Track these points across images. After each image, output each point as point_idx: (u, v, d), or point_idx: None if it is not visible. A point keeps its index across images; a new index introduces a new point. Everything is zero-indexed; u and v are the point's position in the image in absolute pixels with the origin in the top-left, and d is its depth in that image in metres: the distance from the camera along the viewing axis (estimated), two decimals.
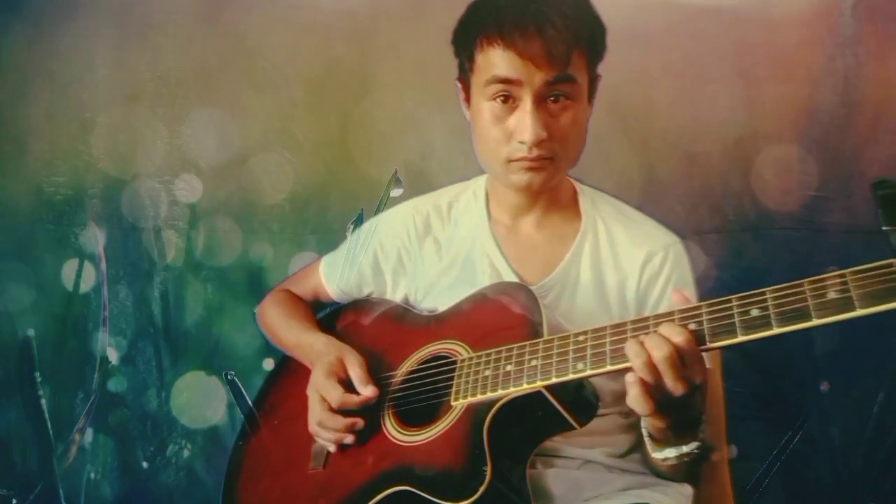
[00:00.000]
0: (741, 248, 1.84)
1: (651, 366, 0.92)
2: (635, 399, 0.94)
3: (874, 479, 1.86)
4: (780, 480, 1.86)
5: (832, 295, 0.83)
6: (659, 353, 0.91)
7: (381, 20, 1.88)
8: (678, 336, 0.91)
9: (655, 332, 0.93)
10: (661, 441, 1.03)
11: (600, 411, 1.18)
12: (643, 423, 1.04)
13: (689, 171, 1.88)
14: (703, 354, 1.17)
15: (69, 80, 1.92)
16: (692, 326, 0.92)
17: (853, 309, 0.82)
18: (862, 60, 1.83)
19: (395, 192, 1.85)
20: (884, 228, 0.82)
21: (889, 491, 1.86)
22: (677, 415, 0.98)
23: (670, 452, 1.02)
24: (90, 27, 1.92)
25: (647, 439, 1.05)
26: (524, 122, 1.14)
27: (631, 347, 0.93)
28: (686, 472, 1.11)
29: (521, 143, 1.15)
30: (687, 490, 1.19)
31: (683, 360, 0.92)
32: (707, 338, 0.91)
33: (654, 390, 0.93)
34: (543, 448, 1.17)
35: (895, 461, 1.85)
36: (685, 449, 1.02)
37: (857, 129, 1.84)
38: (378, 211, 1.83)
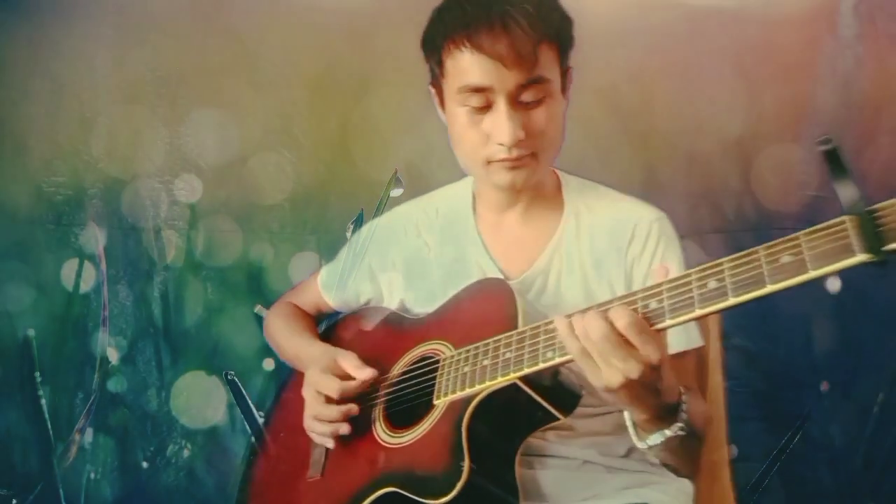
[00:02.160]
0: (741, 248, 1.83)
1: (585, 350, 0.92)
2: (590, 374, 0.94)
3: (874, 479, 1.87)
4: (780, 480, 1.86)
5: (785, 259, 0.82)
6: (598, 333, 0.91)
7: (381, 20, 1.88)
8: (621, 319, 0.90)
9: (592, 313, 0.92)
10: (645, 430, 1.02)
11: (597, 411, 1.19)
12: (626, 416, 1.03)
13: (689, 171, 1.88)
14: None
15: (69, 80, 1.92)
16: (653, 305, 0.91)
17: (806, 271, 0.80)
18: (862, 60, 1.84)
19: (395, 192, 1.85)
20: (834, 184, 0.80)
21: (889, 491, 1.86)
22: (649, 401, 0.97)
23: (655, 439, 1.01)
24: (90, 27, 1.91)
25: (631, 430, 1.04)
26: (501, 125, 1.13)
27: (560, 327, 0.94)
28: (681, 457, 1.11)
29: (501, 144, 1.15)
30: (687, 488, 1.19)
31: (631, 340, 0.91)
32: (667, 314, 0.90)
33: (604, 370, 0.93)
34: (541, 448, 1.18)
35: (895, 461, 1.86)
36: (668, 433, 1.00)
37: (857, 129, 1.84)
38: (378, 211, 1.83)
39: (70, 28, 1.92)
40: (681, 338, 1.18)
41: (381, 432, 1.18)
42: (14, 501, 1.93)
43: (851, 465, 1.86)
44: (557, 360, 0.98)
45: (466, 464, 1.02)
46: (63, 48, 1.92)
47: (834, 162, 0.79)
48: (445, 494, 1.01)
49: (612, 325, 0.91)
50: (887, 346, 1.84)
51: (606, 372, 0.93)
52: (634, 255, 1.22)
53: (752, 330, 1.82)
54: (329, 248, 1.49)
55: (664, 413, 1.00)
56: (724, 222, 1.86)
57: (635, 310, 0.92)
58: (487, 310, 1.15)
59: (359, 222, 1.85)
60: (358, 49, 1.89)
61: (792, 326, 1.84)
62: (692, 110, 1.86)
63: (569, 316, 0.95)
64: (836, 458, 1.87)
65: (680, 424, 1.00)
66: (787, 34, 1.84)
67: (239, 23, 1.91)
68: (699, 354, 1.24)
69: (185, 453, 1.94)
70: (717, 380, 1.38)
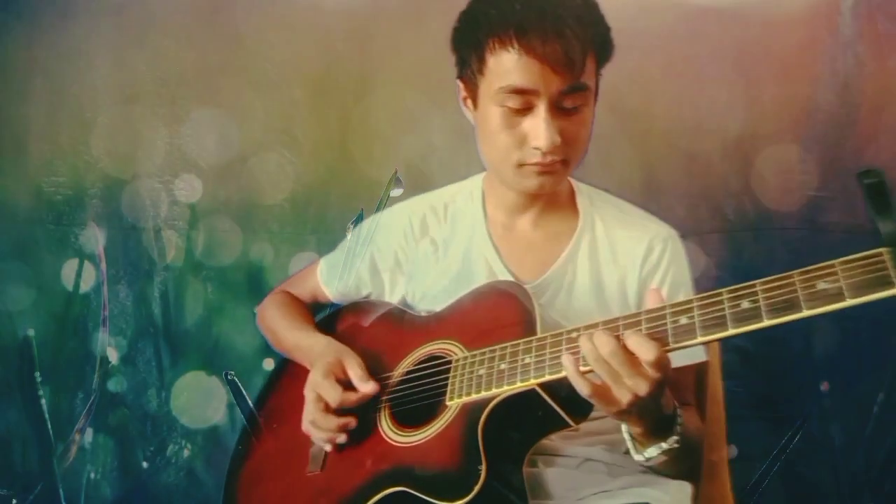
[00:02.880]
0: (741, 248, 1.84)
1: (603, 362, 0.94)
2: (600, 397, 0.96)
3: (874, 479, 1.87)
4: (780, 480, 1.86)
5: (822, 286, 0.83)
6: (607, 350, 0.93)
7: (381, 20, 1.88)
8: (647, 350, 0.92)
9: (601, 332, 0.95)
10: (642, 443, 1.04)
11: (601, 412, 1.19)
12: (624, 429, 1.05)
13: (689, 171, 1.88)
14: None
15: (69, 80, 1.92)
16: (683, 321, 0.92)
17: (843, 299, 0.82)
18: (862, 60, 1.84)
19: (395, 192, 1.85)
20: (874, 219, 0.80)
21: (889, 491, 1.86)
22: (650, 415, 0.99)
23: (652, 451, 1.03)
24: (90, 27, 1.92)
25: (629, 443, 1.05)
26: (539, 129, 1.12)
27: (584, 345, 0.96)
28: (676, 466, 1.12)
29: (536, 148, 1.14)
30: (687, 488, 1.19)
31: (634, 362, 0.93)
32: (698, 331, 0.91)
33: (614, 389, 0.95)
34: (543, 447, 1.18)
35: (895, 461, 1.86)
36: (665, 445, 1.02)
37: (857, 129, 1.84)
38: (378, 211, 1.83)
39: (70, 28, 1.92)
40: (683, 352, 1.18)
41: (387, 430, 1.17)
42: (14, 501, 1.93)
43: (851, 465, 1.86)
44: (581, 369, 0.98)
45: (483, 466, 1.02)
46: (63, 48, 1.92)
47: (877, 195, 0.80)
48: (463, 497, 1.01)
49: (620, 341, 0.92)
50: (887, 346, 1.84)
51: (617, 392, 0.94)
52: (649, 270, 1.23)
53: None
54: (329, 249, 1.48)
55: (659, 426, 1.01)
56: (723, 222, 1.86)
57: (659, 326, 0.93)
58: (503, 313, 1.14)
59: (359, 222, 1.85)
60: (358, 49, 1.89)
61: (792, 327, 1.83)
62: (692, 110, 1.86)
63: (573, 352, 0.97)
64: (836, 458, 1.86)
65: (675, 437, 1.02)
66: (787, 34, 1.84)
67: (239, 23, 1.91)
68: (700, 369, 1.24)
69: (185, 453, 1.94)
70: (716, 380, 1.38)
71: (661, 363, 0.93)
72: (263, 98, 1.91)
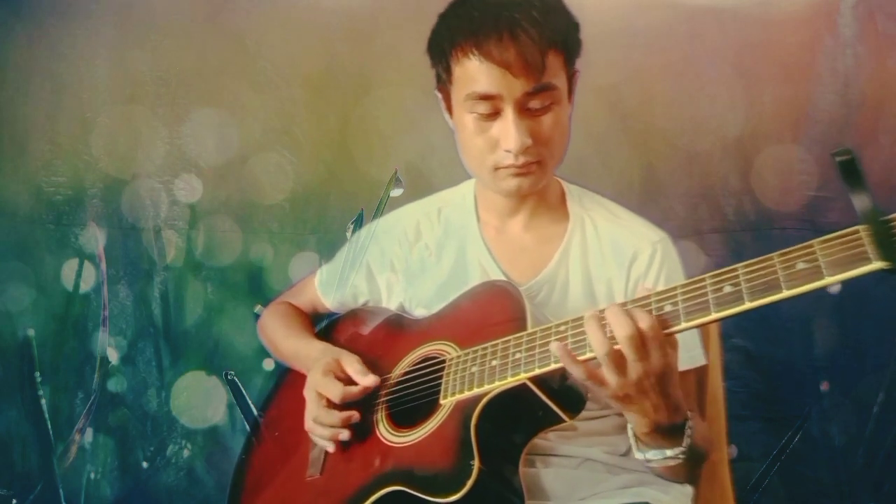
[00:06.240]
0: (741, 248, 1.84)
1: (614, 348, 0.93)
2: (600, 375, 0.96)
3: (874, 479, 1.87)
4: (780, 480, 1.86)
5: (801, 265, 0.84)
6: (622, 332, 0.92)
7: (381, 20, 1.88)
8: (643, 321, 0.92)
9: (618, 310, 0.94)
10: (646, 444, 1.04)
11: (598, 412, 1.19)
12: (629, 425, 1.05)
13: (689, 171, 1.88)
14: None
15: (69, 80, 1.92)
16: (668, 307, 0.93)
17: (822, 277, 0.82)
18: (862, 60, 1.84)
19: (395, 192, 1.85)
20: (850, 197, 0.81)
21: (889, 491, 1.86)
22: (648, 413, 0.99)
23: (654, 455, 1.03)
24: (90, 27, 1.92)
25: (632, 440, 1.05)
26: (508, 132, 1.14)
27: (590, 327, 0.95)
28: (680, 473, 1.12)
29: (507, 151, 1.16)
30: (687, 489, 1.19)
31: (646, 342, 0.93)
32: (682, 317, 0.91)
33: (616, 371, 0.95)
34: (542, 447, 1.18)
35: (895, 461, 1.86)
36: (668, 453, 1.02)
37: (857, 129, 1.84)
38: (378, 211, 1.83)
39: (70, 28, 1.92)
40: (682, 356, 1.18)
41: (384, 431, 1.17)
42: (14, 501, 1.94)
43: (851, 464, 1.86)
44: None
45: (476, 462, 1.02)
46: (63, 48, 1.92)
47: (850, 173, 0.80)
48: (455, 493, 1.01)
49: (637, 324, 0.92)
50: (887, 346, 1.84)
51: (609, 376, 0.95)
52: (638, 275, 1.23)
53: (751, 330, 1.82)
54: (329, 248, 1.49)
55: (667, 431, 1.01)
56: (723, 222, 1.86)
57: (650, 311, 0.93)
58: (494, 311, 1.15)
59: (359, 222, 1.85)
60: (358, 49, 1.89)
61: (792, 326, 1.84)
62: (692, 110, 1.86)
63: (561, 338, 0.97)
64: (836, 458, 1.87)
65: (682, 448, 1.02)
66: (787, 34, 1.84)
67: (239, 23, 1.91)
68: (700, 374, 1.24)
69: (185, 453, 1.94)
70: (716, 380, 1.38)
71: (654, 331, 0.93)
72: (263, 98, 1.91)
